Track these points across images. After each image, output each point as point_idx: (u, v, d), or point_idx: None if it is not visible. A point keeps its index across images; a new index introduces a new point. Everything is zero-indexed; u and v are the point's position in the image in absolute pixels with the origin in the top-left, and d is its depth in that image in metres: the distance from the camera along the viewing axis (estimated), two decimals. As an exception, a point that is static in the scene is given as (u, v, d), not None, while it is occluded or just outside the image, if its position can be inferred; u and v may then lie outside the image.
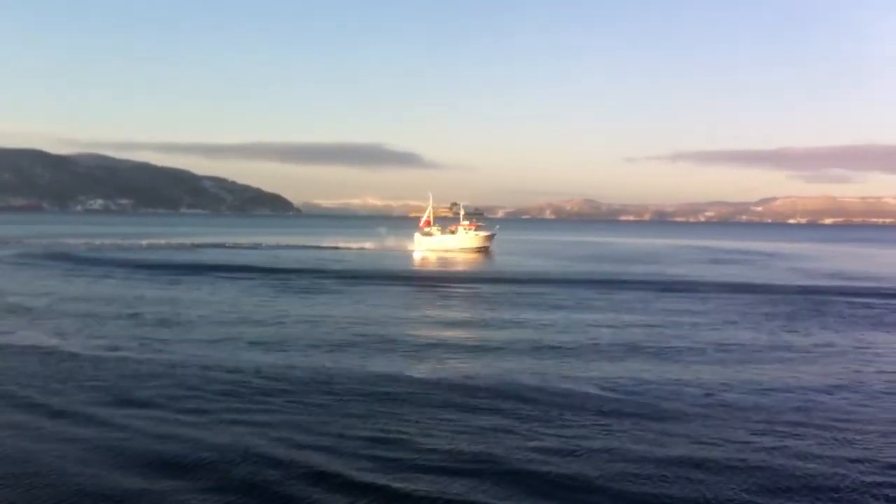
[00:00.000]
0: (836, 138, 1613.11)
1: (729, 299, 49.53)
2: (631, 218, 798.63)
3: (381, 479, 15.46)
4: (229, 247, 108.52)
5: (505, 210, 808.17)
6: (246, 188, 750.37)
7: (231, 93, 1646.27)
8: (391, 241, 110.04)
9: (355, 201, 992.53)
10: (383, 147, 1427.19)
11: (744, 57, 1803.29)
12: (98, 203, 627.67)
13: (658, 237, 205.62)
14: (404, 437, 18.24)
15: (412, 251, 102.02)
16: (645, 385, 23.97)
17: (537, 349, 30.18)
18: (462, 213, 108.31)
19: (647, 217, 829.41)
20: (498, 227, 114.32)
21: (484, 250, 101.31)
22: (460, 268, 77.69)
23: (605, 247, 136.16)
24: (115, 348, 28.56)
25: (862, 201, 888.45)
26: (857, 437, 18.86)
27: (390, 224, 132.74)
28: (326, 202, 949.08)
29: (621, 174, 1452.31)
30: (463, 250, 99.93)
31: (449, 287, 56.85)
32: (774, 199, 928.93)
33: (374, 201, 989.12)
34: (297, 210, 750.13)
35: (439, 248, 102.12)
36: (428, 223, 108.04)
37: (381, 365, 26.33)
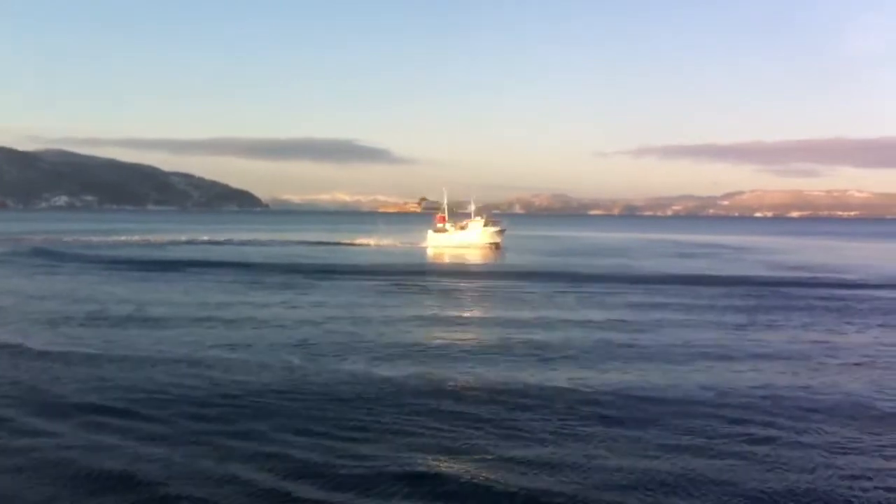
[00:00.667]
0: (804, 133, 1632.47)
1: (699, 292, 49.73)
2: (600, 212, 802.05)
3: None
4: (236, 243, 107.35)
5: (474, 205, 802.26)
6: (214, 184, 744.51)
7: (198, 88, 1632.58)
8: (389, 238, 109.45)
9: (324, 197, 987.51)
10: (353, 142, 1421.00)
11: (712, 52, 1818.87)
12: (63, 200, 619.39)
13: (627, 231, 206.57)
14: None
15: (424, 247, 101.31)
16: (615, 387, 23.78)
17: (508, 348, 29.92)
18: (474, 208, 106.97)
19: (616, 211, 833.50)
20: (505, 222, 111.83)
21: (495, 246, 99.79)
22: (473, 265, 77.37)
23: (577, 241, 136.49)
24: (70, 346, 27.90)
25: (828, 195, 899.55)
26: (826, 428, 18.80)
27: (382, 220, 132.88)
28: (295, 198, 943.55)
29: (590, 169, 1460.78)
30: (476, 246, 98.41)
31: (469, 282, 57.45)
32: (741, 192, 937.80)
33: (343, 197, 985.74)
34: (266, 206, 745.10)
35: (452, 244, 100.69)
36: (443, 219, 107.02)
37: (386, 369, 25.93)
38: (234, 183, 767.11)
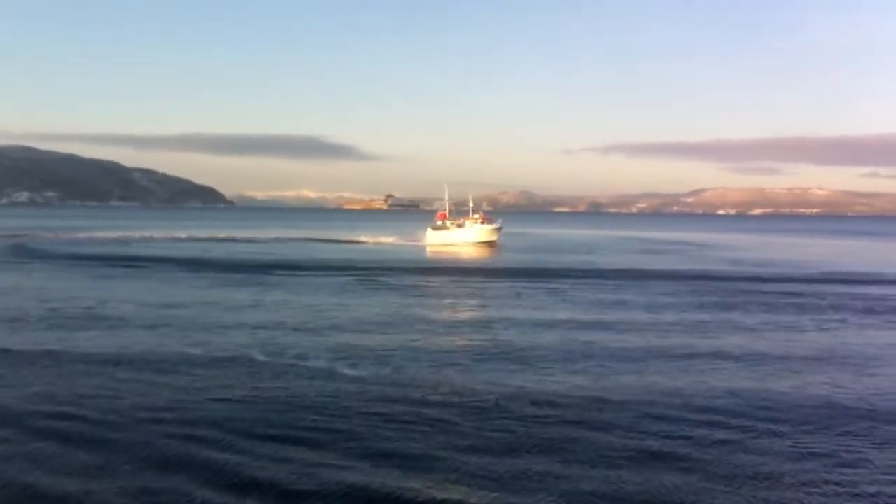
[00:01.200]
0: (766, 131, 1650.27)
1: (662, 288, 50.05)
2: (566, 209, 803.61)
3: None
4: (240, 240, 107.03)
5: (441, 202, 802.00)
6: (177, 180, 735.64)
7: (161, 84, 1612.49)
8: (393, 237, 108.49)
9: (290, 193, 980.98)
10: (319, 139, 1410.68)
11: (676, 50, 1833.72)
12: (24, 196, 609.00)
13: (593, 229, 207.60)
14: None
15: (424, 245, 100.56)
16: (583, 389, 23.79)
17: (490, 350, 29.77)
18: (471, 206, 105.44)
19: (581, 208, 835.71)
20: (501, 220, 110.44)
21: (492, 244, 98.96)
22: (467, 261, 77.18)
23: (543, 239, 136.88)
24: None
25: (790, 192, 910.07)
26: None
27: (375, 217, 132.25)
28: (260, 194, 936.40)
29: (557, 166, 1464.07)
30: (473, 244, 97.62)
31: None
32: (705, 190, 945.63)
33: (308, 194, 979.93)
34: (230, 202, 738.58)
35: (450, 242, 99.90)
36: (443, 216, 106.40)
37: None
38: (199, 179, 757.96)
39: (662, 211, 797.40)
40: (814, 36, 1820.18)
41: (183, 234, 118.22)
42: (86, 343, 28.54)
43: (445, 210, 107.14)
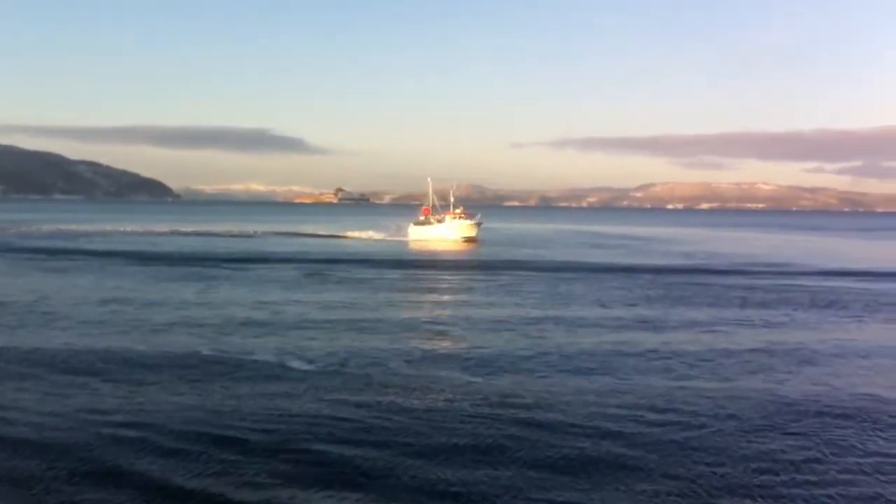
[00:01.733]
0: (713, 126, 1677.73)
1: (611, 281, 50.24)
2: (517, 203, 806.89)
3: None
4: (239, 235, 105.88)
5: (392, 195, 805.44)
6: (123, 173, 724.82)
7: (106, 74, 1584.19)
8: (382, 233, 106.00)
9: (238, 187, 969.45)
10: (267, 132, 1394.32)
11: (626, 45, 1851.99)
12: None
13: (544, 223, 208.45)
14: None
15: (407, 241, 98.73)
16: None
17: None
18: (452, 200, 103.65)
19: (532, 202, 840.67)
20: (480, 215, 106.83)
21: (472, 239, 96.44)
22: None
23: (495, 232, 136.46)
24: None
25: (736, 187, 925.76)
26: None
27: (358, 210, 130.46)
28: (208, 188, 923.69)
29: (507, 160, 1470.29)
30: (451, 240, 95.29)
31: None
32: (653, 185, 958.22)
33: (257, 187, 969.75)
34: (178, 196, 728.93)
35: (430, 237, 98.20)
36: (427, 212, 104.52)
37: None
38: (145, 172, 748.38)
39: (612, 205, 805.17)
40: (758, 32, 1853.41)
41: (166, 229, 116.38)
42: (25, 341, 27.45)
43: (429, 205, 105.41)
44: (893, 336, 32.48)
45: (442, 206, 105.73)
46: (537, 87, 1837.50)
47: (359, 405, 19.62)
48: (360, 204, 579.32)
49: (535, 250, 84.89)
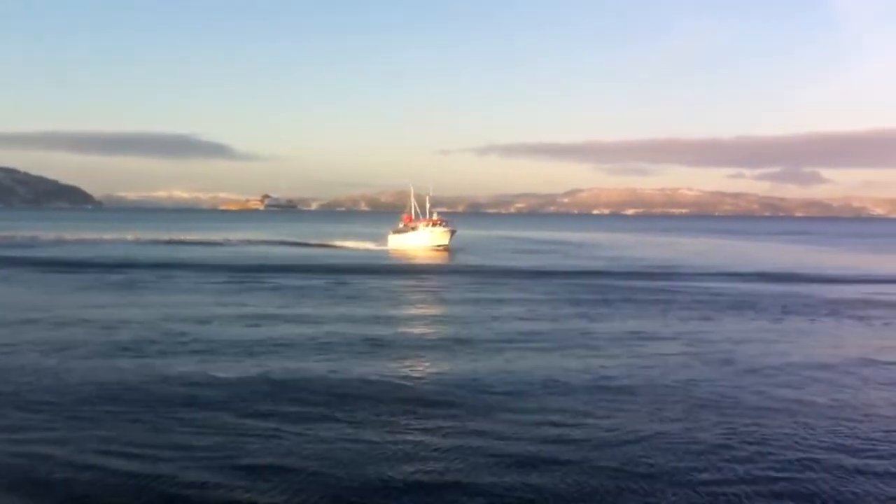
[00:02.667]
0: (638, 133, 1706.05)
1: (537, 286, 50.76)
2: (445, 209, 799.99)
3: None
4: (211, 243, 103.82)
5: (319, 202, 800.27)
6: (41, 180, 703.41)
7: (23, 77, 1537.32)
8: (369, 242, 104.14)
9: (161, 193, 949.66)
10: (191, 137, 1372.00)
11: (548, 52, 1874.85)
12: None
13: (472, 229, 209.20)
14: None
15: (386, 250, 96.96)
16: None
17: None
18: (428, 206, 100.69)
19: (460, 209, 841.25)
20: (448, 222, 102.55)
21: (444, 247, 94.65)
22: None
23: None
24: None
25: (661, 193, 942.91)
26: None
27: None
28: (130, 195, 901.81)
29: (435, 166, 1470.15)
30: (424, 248, 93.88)
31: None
32: (580, 190, 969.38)
33: (181, 194, 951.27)
34: (99, 203, 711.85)
35: (406, 246, 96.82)
36: (409, 219, 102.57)
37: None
38: (64, 179, 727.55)
39: (539, 211, 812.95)
40: (680, 39, 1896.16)
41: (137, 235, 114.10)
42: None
43: (411, 213, 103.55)
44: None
45: (418, 215, 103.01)
46: (462, 94, 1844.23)
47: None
48: (286, 210, 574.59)
49: (466, 256, 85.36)
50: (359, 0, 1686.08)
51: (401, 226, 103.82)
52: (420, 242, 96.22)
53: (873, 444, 17.45)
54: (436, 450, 16.58)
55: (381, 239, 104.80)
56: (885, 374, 25.09)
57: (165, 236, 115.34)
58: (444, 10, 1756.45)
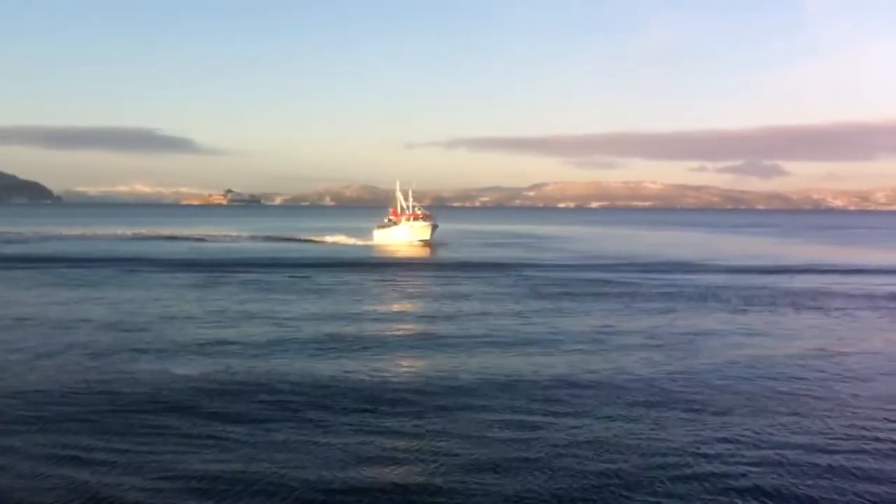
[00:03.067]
0: (602, 126, 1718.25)
1: (500, 280, 50.76)
2: (413, 203, 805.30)
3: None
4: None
5: (283, 197, 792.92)
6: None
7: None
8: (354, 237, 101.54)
9: (122, 188, 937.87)
10: (152, 132, 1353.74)
11: (514, 46, 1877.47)
12: None
13: (440, 222, 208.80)
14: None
15: (371, 245, 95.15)
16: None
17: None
18: (411, 201, 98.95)
19: (426, 202, 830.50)
20: (428, 215, 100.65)
21: (425, 243, 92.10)
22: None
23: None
24: None
25: (625, 186, 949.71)
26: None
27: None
28: (91, 189, 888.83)
29: (400, 160, 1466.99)
30: (406, 244, 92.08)
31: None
32: (546, 184, 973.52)
33: (143, 188, 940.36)
34: (58, 198, 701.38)
35: (389, 241, 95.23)
36: (395, 213, 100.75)
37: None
38: (23, 174, 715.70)
39: (505, 205, 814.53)
40: (643, 34, 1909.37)
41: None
42: None
43: (397, 207, 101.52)
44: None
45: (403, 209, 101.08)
46: (429, 88, 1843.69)
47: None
48: (249, 205, 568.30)
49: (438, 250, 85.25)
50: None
51: (386, 220, 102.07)
52: (402, 237, 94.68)
53: (835, 441, 17.47)
54: (401, 451, 16.37)
55: (367, 234, 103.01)
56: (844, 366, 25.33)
57: (145, 231, 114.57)
58: (409, 4, 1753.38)
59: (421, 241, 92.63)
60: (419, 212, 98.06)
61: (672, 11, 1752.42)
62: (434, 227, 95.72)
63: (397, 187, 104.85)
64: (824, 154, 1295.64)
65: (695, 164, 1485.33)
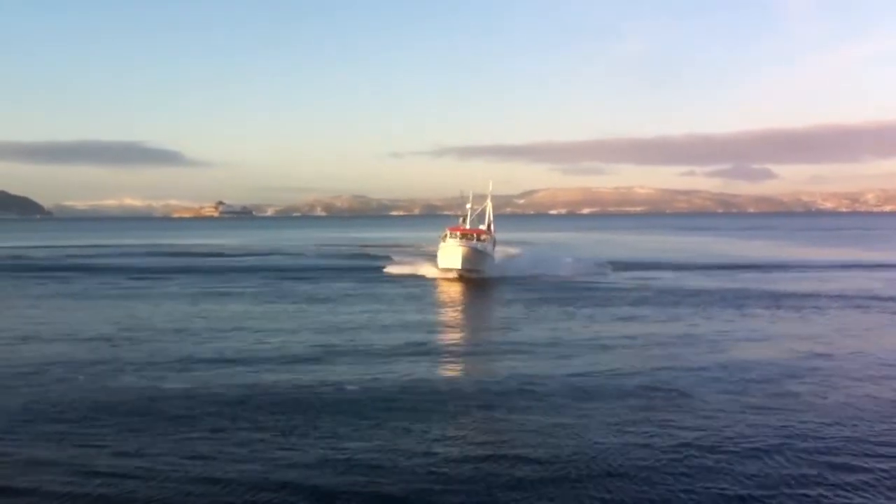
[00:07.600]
0: (590, 133, 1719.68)
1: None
2: (401, 213, 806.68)
3: None
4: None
5: (275, 208, 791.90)
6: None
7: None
8: None
9: (111, 202, 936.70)
10: (141, 145, 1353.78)
11: (500, 55, 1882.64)
12: None
13: (431, 231, 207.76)
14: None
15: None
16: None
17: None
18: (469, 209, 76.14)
19: (416, 211, 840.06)
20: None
21: (462, 274, 64.74)
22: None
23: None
24: None
25: (615, 192, 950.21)
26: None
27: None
28: (80, 204, 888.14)
29: (389, 169, 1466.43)
30: (445, 272, 65.68)
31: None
32: (536, 191, 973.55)
33: (132, 202, 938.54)
34: (49, 213, 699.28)
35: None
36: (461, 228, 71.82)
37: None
38: (13, 189, 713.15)
39: (496, 213, 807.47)
40: (630, 40, 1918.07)
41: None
42: None
43: (465, 217, 76.07)
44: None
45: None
46: (414, 97, 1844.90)
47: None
48: (241, 217, 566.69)
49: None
50: (307, 8, 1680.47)
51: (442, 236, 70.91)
52: (440, 263, 67.07)
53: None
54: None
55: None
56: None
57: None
58: (397, 17, 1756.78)
59: (448, 268, 65.27)
60: (467, 226, 72.89)
61: (659, 18, 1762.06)
62: (475, 254, 65.74)
63: (471, 196, 79.91)
64: (811, 156, 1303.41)
65: (683, 168, 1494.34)
